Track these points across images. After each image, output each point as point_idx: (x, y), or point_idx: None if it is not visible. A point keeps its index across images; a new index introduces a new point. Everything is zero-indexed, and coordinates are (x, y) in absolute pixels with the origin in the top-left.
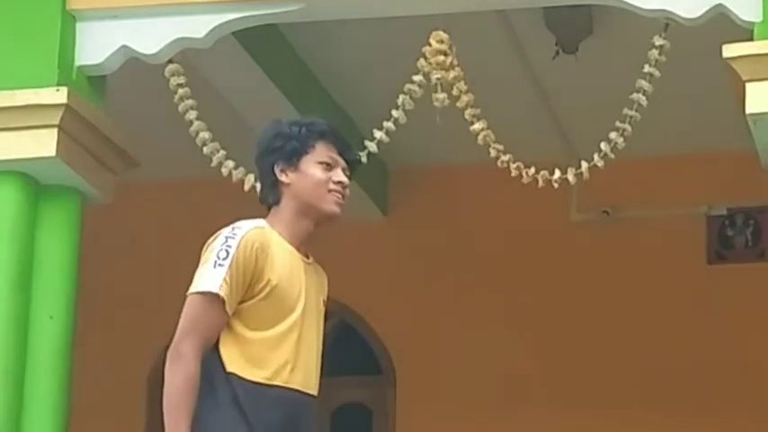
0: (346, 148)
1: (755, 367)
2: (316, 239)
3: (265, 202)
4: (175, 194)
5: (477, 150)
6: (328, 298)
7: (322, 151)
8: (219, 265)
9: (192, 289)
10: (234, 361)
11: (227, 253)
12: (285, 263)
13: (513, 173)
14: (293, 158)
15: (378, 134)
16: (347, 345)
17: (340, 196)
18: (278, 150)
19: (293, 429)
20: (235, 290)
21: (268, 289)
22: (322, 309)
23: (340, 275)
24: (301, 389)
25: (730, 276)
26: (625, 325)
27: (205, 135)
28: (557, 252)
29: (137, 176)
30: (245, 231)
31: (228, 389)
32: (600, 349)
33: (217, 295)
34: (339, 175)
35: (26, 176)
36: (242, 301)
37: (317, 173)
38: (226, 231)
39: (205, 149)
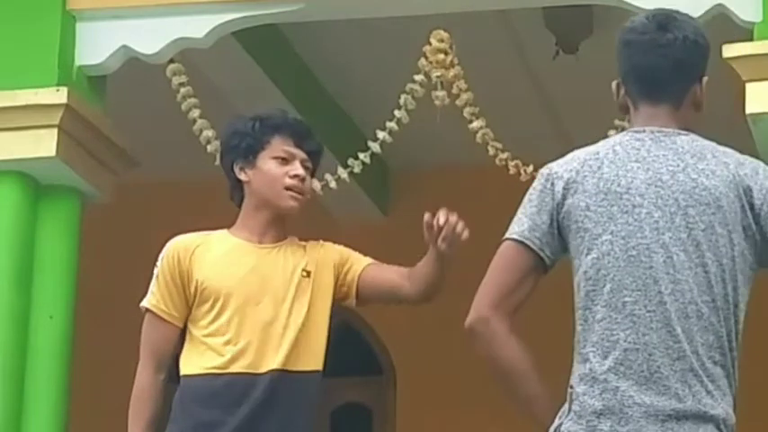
0: (304, 139)
1: (756, 366)
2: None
3: (233, 200)
4: (175, 194)
5: (477, 151)
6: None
7: (277, 146)
8: (152, 281)
9: None
10: (186, 363)
11: (157, 267)
12: (219, 258)
13: (512, 170)
14: (249, 156)
15: (381, 134)
16: (347, 345)
17: (297, 190)
18: (235, 149)
19: (252, 410)
20: (167, 297)
21: (201, 288)
22: (298, 281)
23: None
24: (250, 371)
25: None
26: None
27: (209, 133)
28: None
29: (137, 176)
30: (173, 242)
31: (179, 390)
32: None
33: (147, 308)
34: (296, 168)
35: (26, 176)
36: (191, 308)
37: (272, 168)
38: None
39: (209, 148)
